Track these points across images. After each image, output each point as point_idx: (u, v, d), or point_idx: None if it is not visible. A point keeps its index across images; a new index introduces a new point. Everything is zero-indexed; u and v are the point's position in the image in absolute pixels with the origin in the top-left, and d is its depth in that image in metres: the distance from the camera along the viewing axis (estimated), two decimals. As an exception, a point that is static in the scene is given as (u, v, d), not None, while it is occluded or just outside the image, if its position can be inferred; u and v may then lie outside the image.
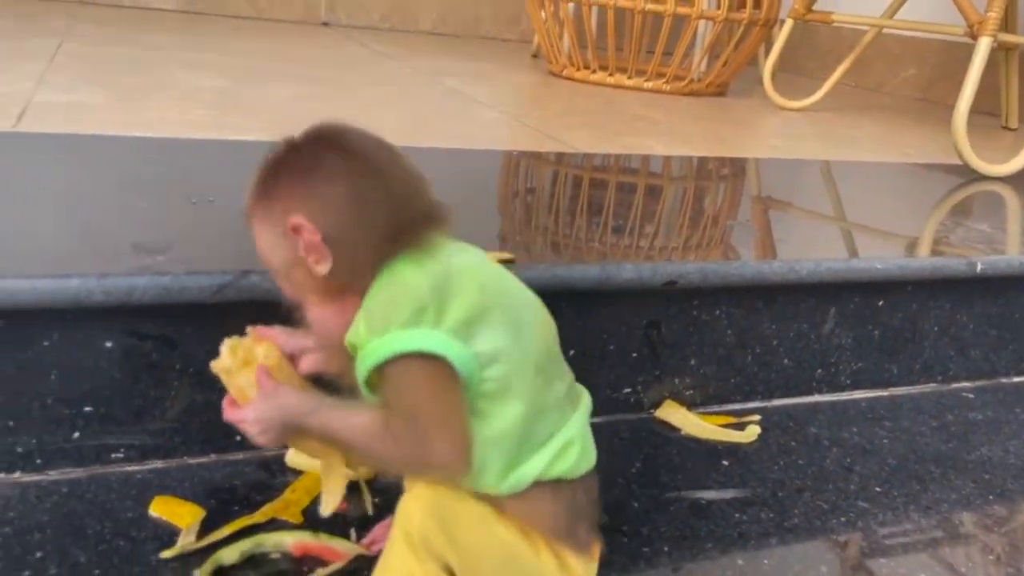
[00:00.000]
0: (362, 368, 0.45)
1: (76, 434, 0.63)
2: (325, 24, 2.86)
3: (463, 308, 0.45)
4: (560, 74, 2.09)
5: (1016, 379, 0.99)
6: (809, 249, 0.90)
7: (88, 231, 0.69)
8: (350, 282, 0.45)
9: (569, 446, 0.48)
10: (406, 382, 0.44)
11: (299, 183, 0.45)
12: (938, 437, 0.85)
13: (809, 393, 0.90)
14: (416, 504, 0.46)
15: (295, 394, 0.48)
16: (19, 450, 0.62)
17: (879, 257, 0.86)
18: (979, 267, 0.89)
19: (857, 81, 2.72)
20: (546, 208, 0.94)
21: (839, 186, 1.25)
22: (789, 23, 1.89)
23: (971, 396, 0.95)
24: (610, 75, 2.02)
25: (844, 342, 0.89)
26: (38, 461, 0.63)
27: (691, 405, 0.84)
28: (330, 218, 0.44)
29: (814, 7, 1.87)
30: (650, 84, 2.01)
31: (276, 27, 2.58)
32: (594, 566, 0.50)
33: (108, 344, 0.62)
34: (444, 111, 1.41)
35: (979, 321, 0.95)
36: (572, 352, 0.77)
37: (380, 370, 0.44)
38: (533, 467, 0.47)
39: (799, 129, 1.70)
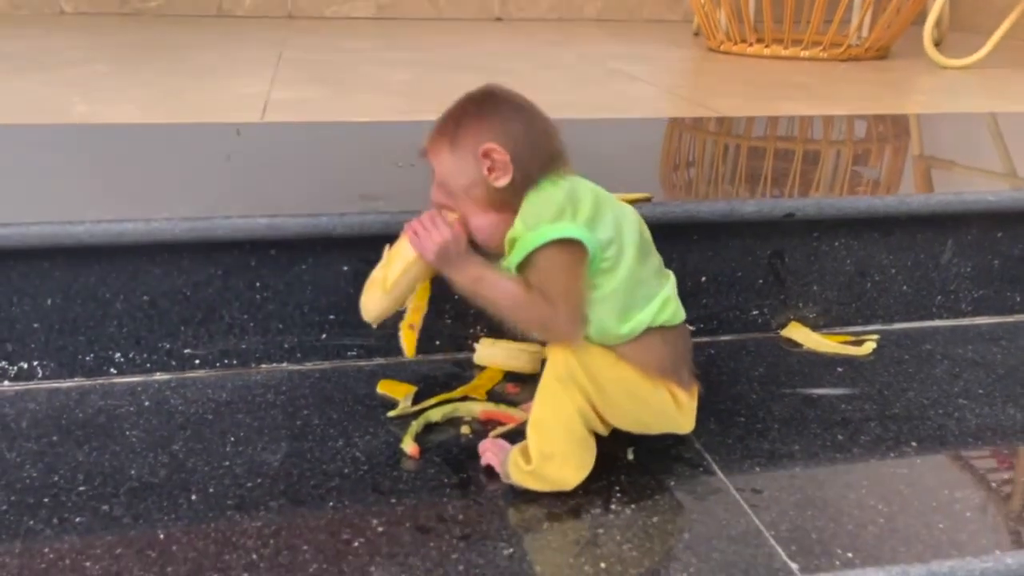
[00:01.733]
0: (518, 254, 0.63)
1: (324, 335, 0.86)
2: (498, 19, 3.09)
3: (587, 209, 0.63)
4: (719, 49, 2.19)
5: None
6: (948, 178, 1.00)
7: (328, 187, 0.92)
8: (513, 196, 0.63)
9: (668, 301, 0.66)
10: (547, 263, 0.62)
11: (486, 121, 0.64)
12: (1052, 354, 0.92)
13: (929, 318, 0.99)
14: (561, 352, 0.64)
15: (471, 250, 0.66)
16: (286, 346, 0.85)
17: (991, 190, 0.94)
18: (1096, 197, 0.95)
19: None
20: (688, 159, 1.09)
21: (984, 136, 1.31)
22: (948, -17, 1.90)
23: (1098, 322, 1.00)
24: (766, 47, 2.10)
25: (963, 271, 0.98)
26: (298, 355, 0.86)
27: (815, 327, 0.96)
28: (511, 146, 0.63)
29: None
30: (807, 53, 2.07)
31: (454, 25, 2.83)
32: (694, 403, 0.69)
33: (345, 268, 0.84)
34: (606, 89, 1.57)
35: (1107, 252, 1.01)
36: (704, 279, 0.93)
37: (529, 256, 0.62)
38: (646, 315, 0.65)
39: (957, 86, 1.72)
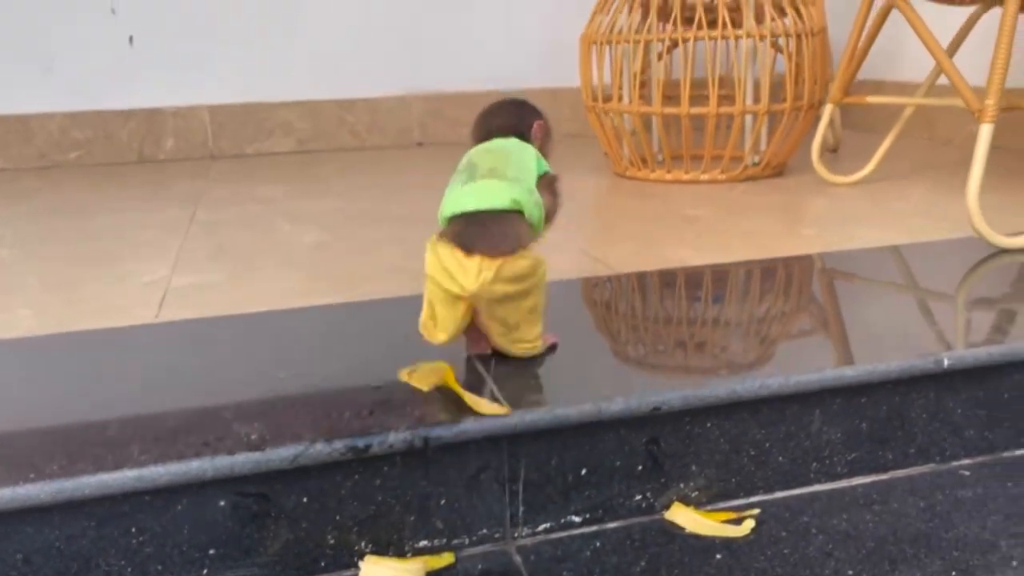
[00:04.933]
0: None
1: (205, 571, 0.86)
2: (420, 144, 3.17)
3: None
4: (624, 175, 2.28)
5: (1016, 452, 1.08)
6: (797, 358, 1.05)
7: (206, 415, 0.93)
8: None
9: (448, 197, 0.98)
10: None
11: None
12: (922, 517, 0.96)
13: (807, 484, 1.03)
14: None
15: None
16: (167, 585, 0.85)
17: (849, 365, 0.99)
18: (946, 363, 1.00)
19: (930, 134, 2.78)
20: (568, 342, 1.13)
21: (844, 285, 1.38)
22: (829, 107, 2.01)
23: (967, 473, 1.05)
24: (668, 172, 2.20)
25: (834, 437, 1.02)
26: (181, 592, 0.86)
27: (698, 504, 0.99)
28: None
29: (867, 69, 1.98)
30: (706, 176, 2.17)
31: (376, 155, 2.90)
32: (471, 263, 0.92)
33: (222, 503, 0.85)
34: (504, 241, 1.62)
35: (967, 405, 1.06)
36: (584, 471, 0.95)
37: None
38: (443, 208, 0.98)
39: (842, 210, 1.81)
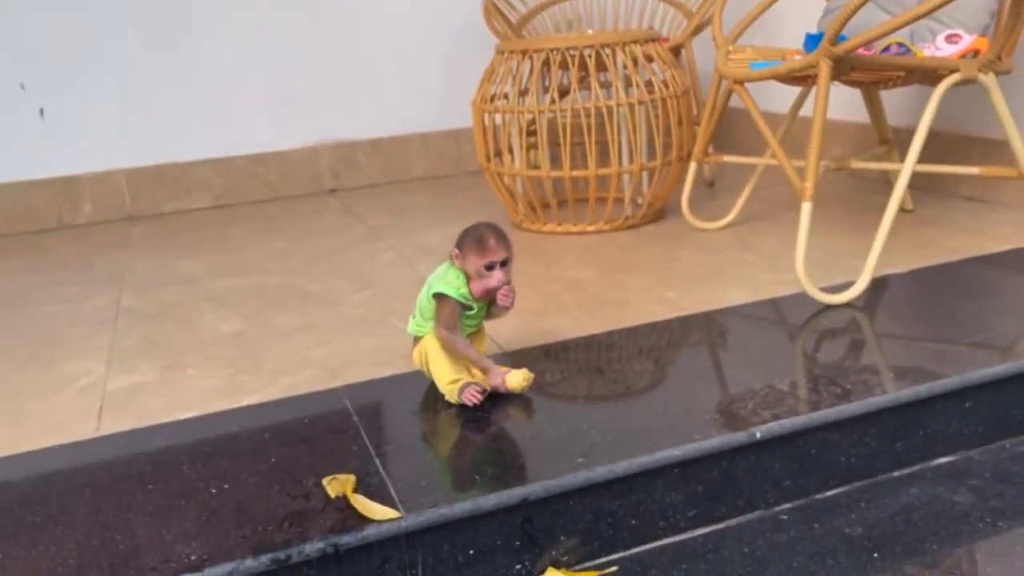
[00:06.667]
0: None
1: (160, 669, 1.04)
2: (332, 191, 3.33)
3: None
4: (521, 226, 2.49)
5: (826, 493, 1.34)
6: (643, 437, 1.28)
7: (149, 536, 1.11)
8: None
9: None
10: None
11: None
12: (744, 563, 1.20)
13: (658, 538, 1.26)
14: None
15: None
16: None
17: (677, 445, 1.22)
18: (758, 435, 1.25)
19: (800, 156, 3.05)
20: (432, 432, 1.33)
21: (688, 355, 1.61)
22: (693, 165, 2.26)
23: (785, 517, 1.29)
24: (559, 224, 2.42)
25: (675, 499, 1.25)
26: None
27: (568, 566, 1.21)
28: None
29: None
30: (593, 227, 2.40)
31: (290, 205, 3.05)
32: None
33: (170, 614, 1.03)
34: (403, 317, 1.82)
35: (784, 460, 1.30)
36: (472, 551, 1.16)
37: None
38: None
39: (703, 264, 2.04)
